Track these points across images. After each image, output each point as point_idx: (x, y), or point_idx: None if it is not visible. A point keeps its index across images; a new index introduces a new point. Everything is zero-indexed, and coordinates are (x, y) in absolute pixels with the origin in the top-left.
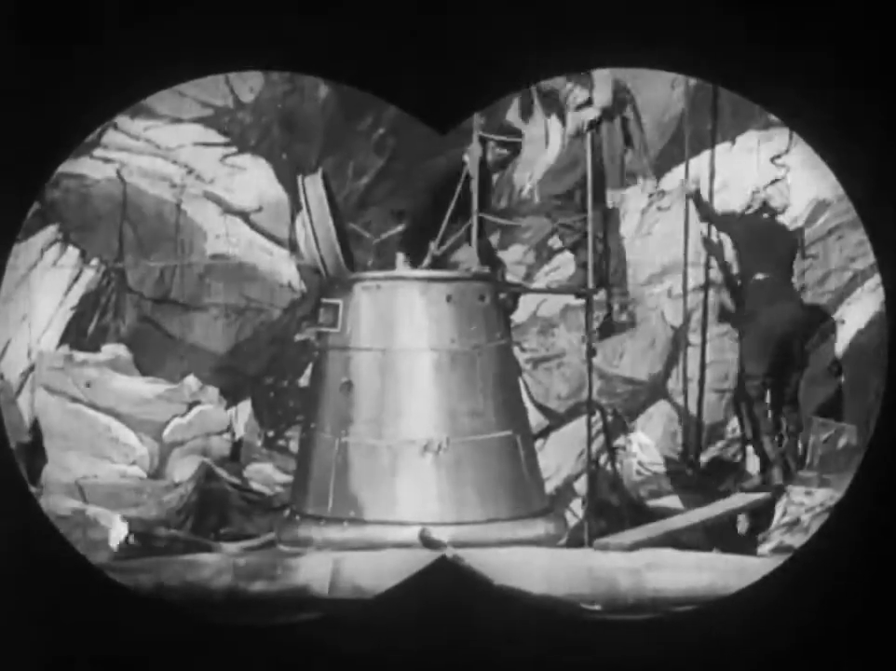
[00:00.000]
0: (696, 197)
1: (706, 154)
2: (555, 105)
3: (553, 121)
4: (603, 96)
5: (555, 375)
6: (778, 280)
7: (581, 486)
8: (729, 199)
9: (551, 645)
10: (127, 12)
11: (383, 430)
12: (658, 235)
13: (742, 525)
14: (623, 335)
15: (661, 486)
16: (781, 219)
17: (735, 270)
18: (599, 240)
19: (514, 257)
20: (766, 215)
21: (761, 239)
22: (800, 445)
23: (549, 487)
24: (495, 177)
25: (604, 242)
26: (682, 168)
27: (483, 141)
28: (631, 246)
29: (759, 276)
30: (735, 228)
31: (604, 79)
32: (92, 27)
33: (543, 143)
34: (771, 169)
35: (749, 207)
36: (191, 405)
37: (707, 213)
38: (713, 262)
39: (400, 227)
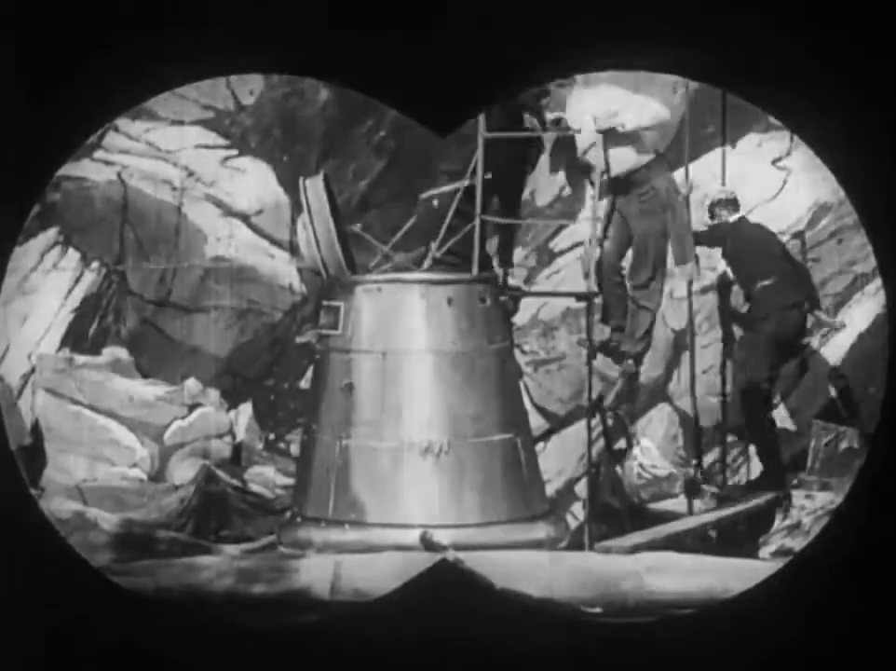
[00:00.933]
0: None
1: (705, 158)
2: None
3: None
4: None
5: (556, 377)
6: (784, 283)
7: (582, 488)
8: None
9: (552, 648)
10: (127, 15)
11: (384, 432)
12: None
13: (743, 528)
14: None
15: (662, 489)
16: (762, 221)
17: (732, 278)
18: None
19: (515, 260)
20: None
21: (753, 245)
22: (801, 449)
23: (550, 490)
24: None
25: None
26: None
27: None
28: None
29: (765, 282)
30: (725, 240)
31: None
32: (93, 30)
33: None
34: (772, 171)
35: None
36: (192, 408)
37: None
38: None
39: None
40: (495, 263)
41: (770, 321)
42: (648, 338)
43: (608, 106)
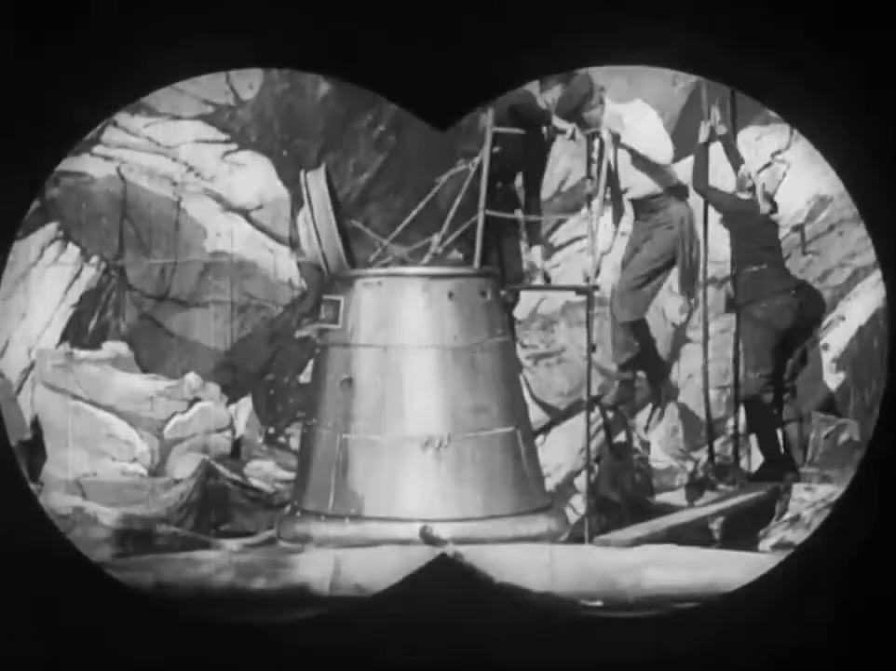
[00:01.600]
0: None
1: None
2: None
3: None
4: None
5: (556, 371)
6: (773, 271)
7: (582, 482)
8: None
9: (552, 642)
10: (126, 9)
11: (384, 426)
12: None
13: (743, 521)
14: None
15: (662, 482)
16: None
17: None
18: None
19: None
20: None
21: (749, 226)
22: (802, 441)
23: (550, 484)
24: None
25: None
26: (681, 165)
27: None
28: None
29: (753, 268)
30: (726, 209)
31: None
32: (92, 24)
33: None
34: (772, 164)
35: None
36: (192, 402)
37: (704, 186)
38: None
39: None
40: (523, 244)
41: (760, 311)
42: (633, 348)
43: (621, 114)
